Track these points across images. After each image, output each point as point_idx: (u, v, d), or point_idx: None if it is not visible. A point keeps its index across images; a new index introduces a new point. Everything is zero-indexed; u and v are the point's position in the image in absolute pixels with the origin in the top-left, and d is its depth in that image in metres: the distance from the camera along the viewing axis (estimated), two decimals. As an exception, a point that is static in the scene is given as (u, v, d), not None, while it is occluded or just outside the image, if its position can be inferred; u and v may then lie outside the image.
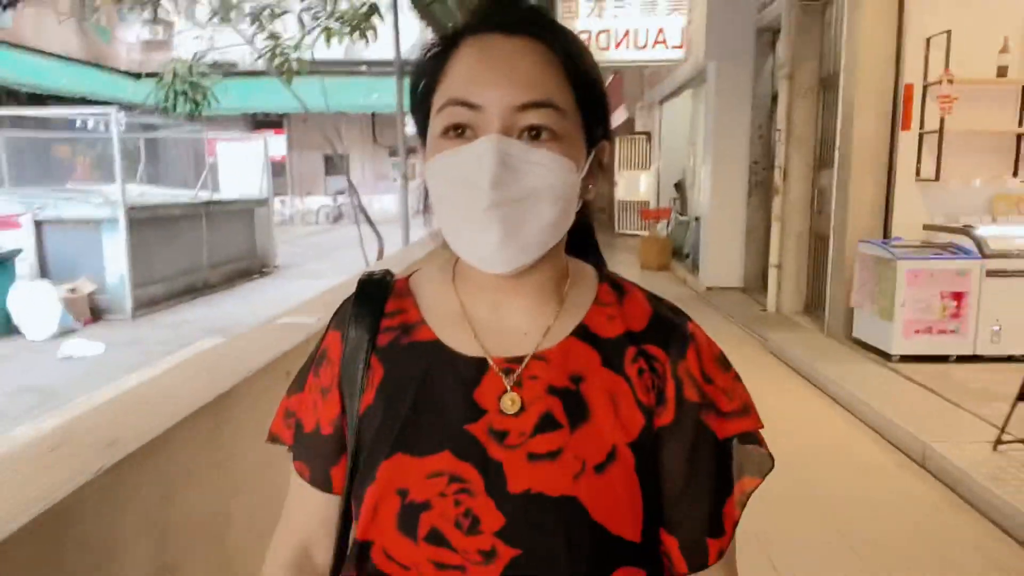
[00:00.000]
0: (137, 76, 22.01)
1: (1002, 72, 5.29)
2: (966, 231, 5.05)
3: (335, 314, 0.76)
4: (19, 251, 6.93)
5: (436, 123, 0.66)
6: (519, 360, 0.68)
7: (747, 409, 0.71)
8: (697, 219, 9.69)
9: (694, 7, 8.84)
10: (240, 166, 11.35)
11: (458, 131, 0.64)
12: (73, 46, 20.31)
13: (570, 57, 0.66)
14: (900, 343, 4.94)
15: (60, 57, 19.17)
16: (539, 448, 0.65)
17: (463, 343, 0.70)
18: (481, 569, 0.63)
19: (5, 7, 16.86)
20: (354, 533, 0.69)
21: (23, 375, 5.44)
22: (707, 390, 0.69)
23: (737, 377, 0.72)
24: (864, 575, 2.61)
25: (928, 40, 5.34)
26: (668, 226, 11.83)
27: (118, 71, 21.86)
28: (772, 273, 7.21)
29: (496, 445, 0.65)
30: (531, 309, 0.71)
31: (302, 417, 0.74)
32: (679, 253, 10.84)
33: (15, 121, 11.21)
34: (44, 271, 7.28)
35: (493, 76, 0.63)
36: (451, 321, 0.72)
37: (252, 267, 10.44)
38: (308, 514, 0.75)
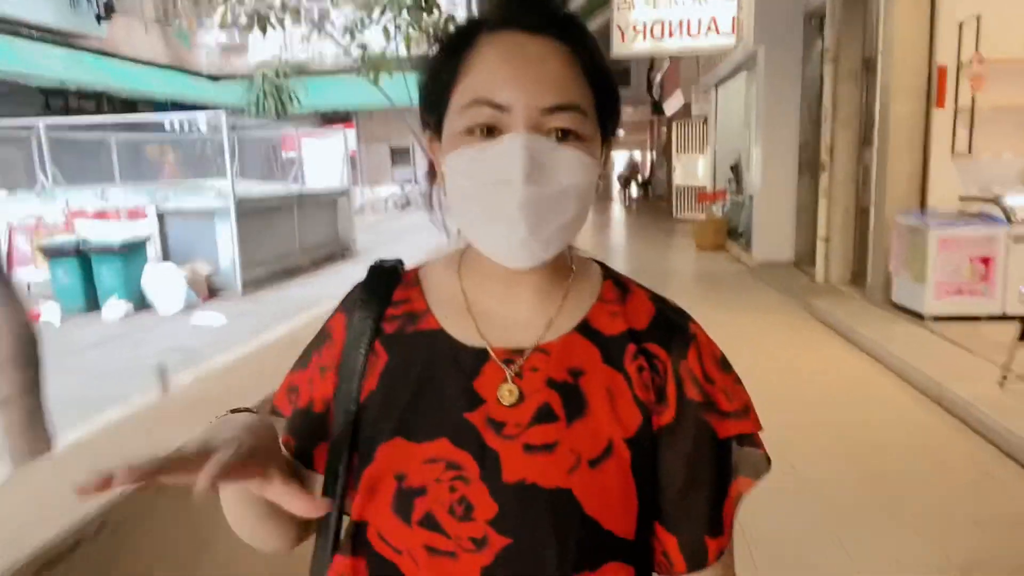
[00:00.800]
0: (215, 79, 23.58)
1: (1032, 51, 5.64)
2: (995, 200, 5.48)
3: (344, 298, 0.77)
4: (148, 238, 8.06)
5: (458, 121, 0.66)
6: (520, 352, 0.70)
7: (747, 410, 0.72)
8: (750, 198, 10.15)
9: (744, -5, 9.28)
10: (321, 160, 12.39)
11: (483, 131, 0.65)
12: (159, 52, 21.84)
13: (591, 58, 0.68)
14: (932, 304, 5.42)
15: (147, 63, 20.70)
16: (535, 439, 0.66)
17: (466, 333, 0.71)
18: (472, 556, 0.64)
19: (100, 19, 18.38)
20: (350, 512, 0.71)
21: (166, 340, 6.50)
22: (708, 390, 0.70)
23: (738, 380, 0.73)
24: (870, 475, 3.23)
25: (960, 24, 5.75)
26: (723, 207, 12.27)
27: (199, 74, 23.39)
28: (820, 246, 7.67)
29: (493, 434, 0.66)
30: (535, 302, 0.72)
31: (301, 393, 0.75)
32: (734, 233, 11.30)
33: (121, 125, 12.51)
34: (166, 255, 8.41)
35: (520, 77, 0.64)
36: (455, 311, 0.73)
37: (335, 252, 11.47)
38: None
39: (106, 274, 7.57)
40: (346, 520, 0.71)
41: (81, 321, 7.45)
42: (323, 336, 0.76)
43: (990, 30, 5.61)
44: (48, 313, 7.41)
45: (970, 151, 5.79)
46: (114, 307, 7.52)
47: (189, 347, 5.94)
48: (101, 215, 8.44)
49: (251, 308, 7.90)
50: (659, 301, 0.75)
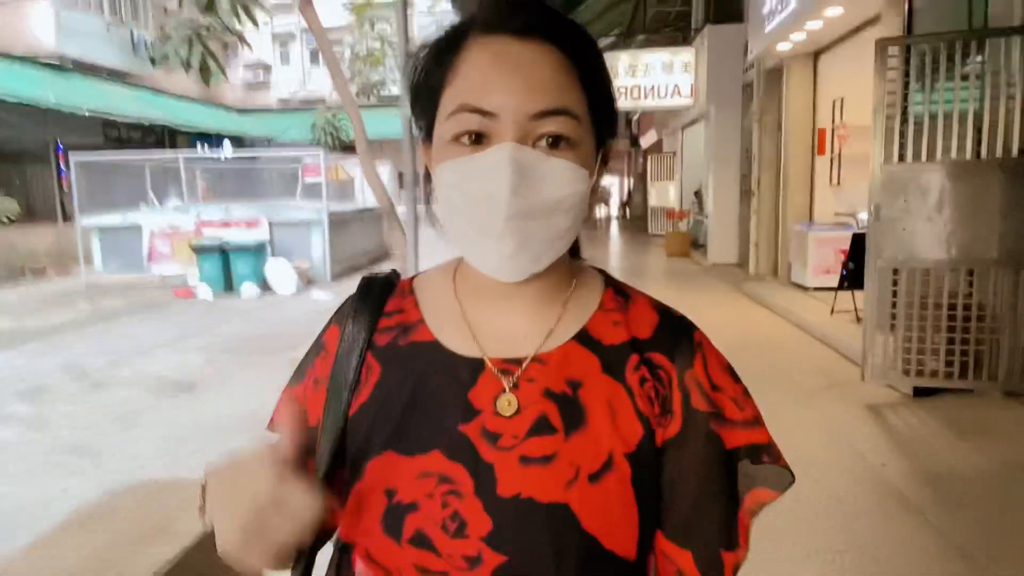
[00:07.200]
0: (240, 112, 26.38)
1: (876, 120, 8.83)
2: (852, 215, 8.60)
3: (337, 310, 0.77)
4: (266, 241, 10.94)
5: (446, 128, 0.64)
6: (518, 362, 0.68)
7: (757, 420, 0.70)
8: (707, 217, 13.27)
9: (699, 67, 12.47)
10: (361, 183, 15.42)
11: (471, 138, 0.63)
12: (193, 89, 24.56)
13: (584, 62, 0.66)
14: (811, 280, 8.51)
15: (188, 99, 23.42)
16: (532, 452, 0.64)
17: (461, 344, 0.70)
18: None
19: (155, 62, 21.06)
20: (336, 534, 0.70)
21: (299, 309, 9.34)
22: (715, 398, 0.69)
23: (747, 391, 0.71)
24: (766, 362, 6.20)
25: (833, 101, 8.92)
26: (688, 223, 15.42)
27: (228, 108, 26.18)
28: (752, 250, 10.79)
29: (489, 447, 0.65)
30: (533, 312, 0.71)
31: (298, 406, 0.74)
32: (696, 244, 14.41)
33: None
34: (274, 254, 11.23)
35: (509, 83, 0.62)
36: (450, 322, 0.72)
37: (381, 254, 14.44)
38: None
39: (241, 266, 10.38)
40: (330, 543, 0.71)
41: (224, 299, 10.25)
42: (317, 348, 0.76)
43: (850, 106, 8.79)
44: (203, 292, 10.24)
45: (840, 183, 8.93)
46: (250, 288, 10.33)
47: (318, 311, 8.79)
48: (226, 224, 11.29)
49: (342, 290, 10.74)
50: (662, 309, 0.74)
